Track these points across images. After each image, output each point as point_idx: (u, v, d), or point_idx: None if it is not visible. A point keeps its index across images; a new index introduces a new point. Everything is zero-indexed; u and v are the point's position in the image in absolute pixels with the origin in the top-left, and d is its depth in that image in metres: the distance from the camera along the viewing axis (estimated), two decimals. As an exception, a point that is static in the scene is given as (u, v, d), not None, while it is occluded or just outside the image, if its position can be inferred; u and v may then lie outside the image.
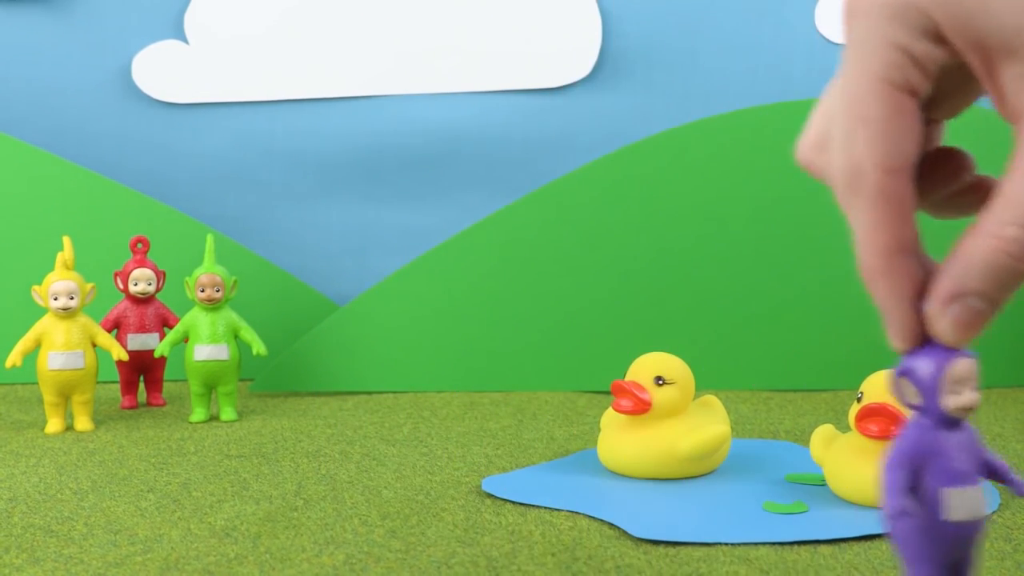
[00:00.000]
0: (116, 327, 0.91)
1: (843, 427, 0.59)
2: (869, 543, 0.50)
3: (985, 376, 0.96)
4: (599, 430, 0.65)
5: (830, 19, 1.09)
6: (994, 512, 0.54)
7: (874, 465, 0.54)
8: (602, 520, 0.54)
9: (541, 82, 1.10)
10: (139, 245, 0.93)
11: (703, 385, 0.67)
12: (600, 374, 0.95)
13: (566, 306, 0.98)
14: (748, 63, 1.10)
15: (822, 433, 0.58)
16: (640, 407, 0.60)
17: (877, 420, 0.53)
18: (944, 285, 0.31)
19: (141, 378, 0.92)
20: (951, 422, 0.35)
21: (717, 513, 0.55)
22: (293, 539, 0.51)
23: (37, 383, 0.90)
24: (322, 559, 0.48)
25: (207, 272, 0.84)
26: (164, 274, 0.93)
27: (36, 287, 0.81)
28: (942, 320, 0.31)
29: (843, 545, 0.49)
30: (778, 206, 0.96)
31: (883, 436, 0.53)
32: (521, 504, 0.57)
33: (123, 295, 0.92)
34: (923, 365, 0.34)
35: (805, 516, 0.54)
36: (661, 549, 0.49)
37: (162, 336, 0.92)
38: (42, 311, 0.82)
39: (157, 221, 1.05)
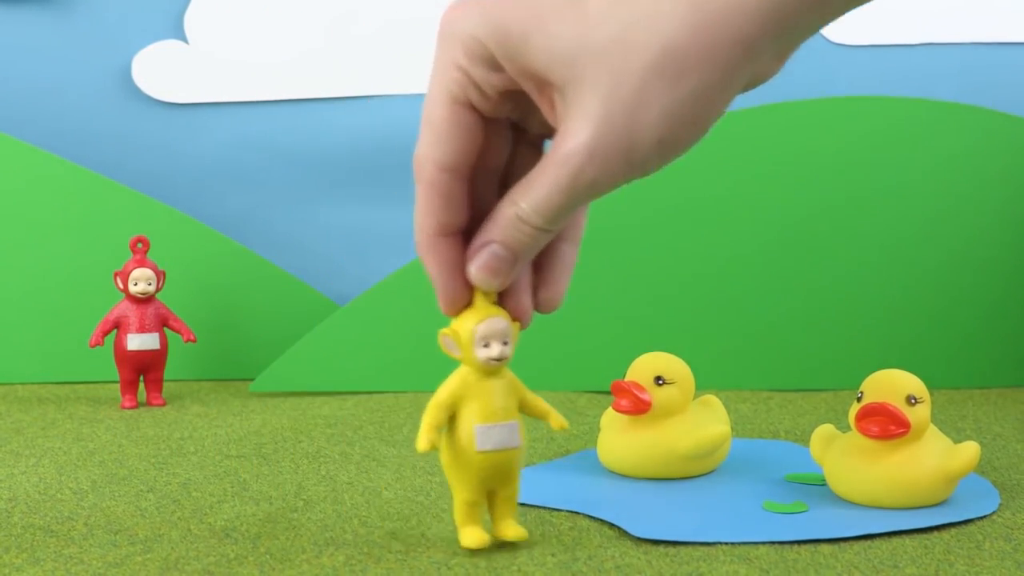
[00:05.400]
0: (116, 327, 0.91)
1: (843, 427, 0.59)
2: (869, 542, 0.50)
3: (985, 376, 0.97)
4: (599, 430, 0.65)
5: (830, 19, 1.09)
6: (994, 512, 0.54)
7: (875, 465, 0.54)
8: (602, 520, 0.54)
9: (541, 82, 1.10)
10: (139, 245, 0.93)
11: (703, 385, 0.67)
12: (600, 374, 0.95)
13: (565, 306, 0.97)
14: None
15: (822, 433, 0.58)
16: (640, 407, 0.60)
17: (877, 420, 0.53)
18: (476, 239, 0.39)
19: (141, 378, 0.92)
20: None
21: (717, 513, 0.55)
22: (293, 540, 0.51)
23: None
24: (322, 560, 0.48)
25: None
26: (164, 274, 0.93)
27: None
28: (472, 265, 0.40)
29: (843, 544, 0.49)
30: (778, 206, 0.96)
31: (883, 436, 0.53)
32: (521, 504, 0.57)
33: (123, 295, 0.92)
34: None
35: (805, 516, 0.54)
36: (661, 549, 0.49)
37: (162, 336, 0.92)
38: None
39: (157, 221, 1.05)
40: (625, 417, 0.62)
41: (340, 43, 1.12)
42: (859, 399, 0.55)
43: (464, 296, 0.42)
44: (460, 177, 0.38)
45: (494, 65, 0.35)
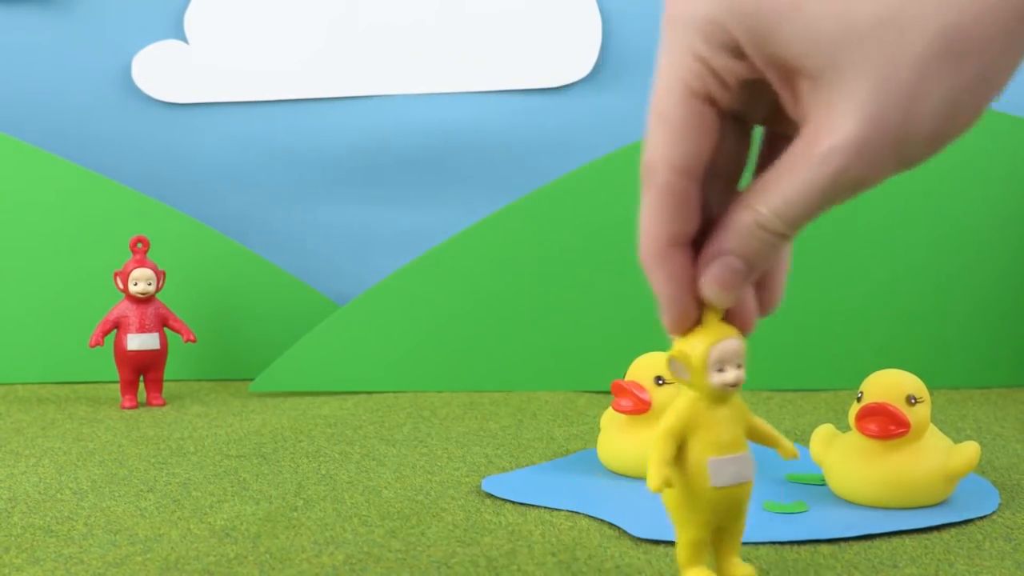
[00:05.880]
0: (116, 327, 0.91)
1: (843, 427, 0.59)
2: (869, 543, 0.50)
3: (985, 376, 0.97)
4: (599, 430, 0.65)
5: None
6: (994, 512, 0.54)
7: (875, 465, 0.54)
8: (602, 520, 0.54)
9: (541, 82, 1.10)
10: (139, 245, 0.93)
11: (703, 385, 0.67)
12: (600, 374, 0.95)
13: (566, 306, 0.98)
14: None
15: (822, 433, 0.58)
16: (640, 407, 0.60)
17: (877, 420, 0.53)
18: (706, 249, 0.35)
19: (141, 378, 0.92)
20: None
21: (717, 513, 0.55)
22: (293, 539, 0.51)
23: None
24: (322, 559, 0.48)
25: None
26: (164, 274, 0.93)
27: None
28: (704, 278, 0.35)
29: (843, 545, 0.49)
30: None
31: (883, 436, 0.53)
32: (521, 504, 0.57)
33: (123, 295, 0.92)
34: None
35: (805, 516, 0.54)
36: (661, 549, 0.49)
37: (162, 336, 0.92)
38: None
39: (157, 221, 1.05)
40: (625, 417, 0.62)
41: (340, 43, 1.12)
42: (859, 399, 0.55)
43: (694, 313, 0.37)
44: (696, 179, 0.34)
45: (737, 52, 0.31)
